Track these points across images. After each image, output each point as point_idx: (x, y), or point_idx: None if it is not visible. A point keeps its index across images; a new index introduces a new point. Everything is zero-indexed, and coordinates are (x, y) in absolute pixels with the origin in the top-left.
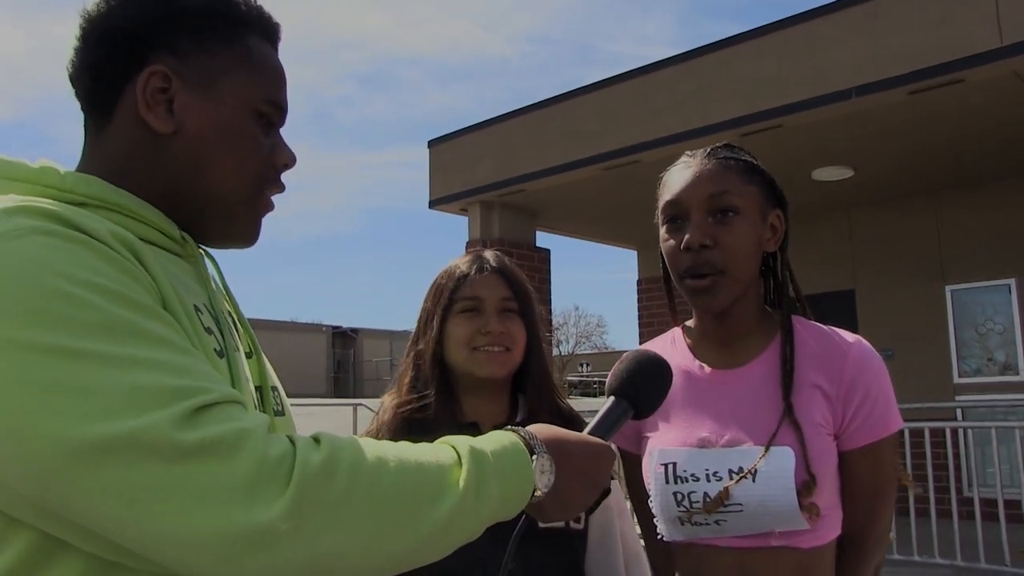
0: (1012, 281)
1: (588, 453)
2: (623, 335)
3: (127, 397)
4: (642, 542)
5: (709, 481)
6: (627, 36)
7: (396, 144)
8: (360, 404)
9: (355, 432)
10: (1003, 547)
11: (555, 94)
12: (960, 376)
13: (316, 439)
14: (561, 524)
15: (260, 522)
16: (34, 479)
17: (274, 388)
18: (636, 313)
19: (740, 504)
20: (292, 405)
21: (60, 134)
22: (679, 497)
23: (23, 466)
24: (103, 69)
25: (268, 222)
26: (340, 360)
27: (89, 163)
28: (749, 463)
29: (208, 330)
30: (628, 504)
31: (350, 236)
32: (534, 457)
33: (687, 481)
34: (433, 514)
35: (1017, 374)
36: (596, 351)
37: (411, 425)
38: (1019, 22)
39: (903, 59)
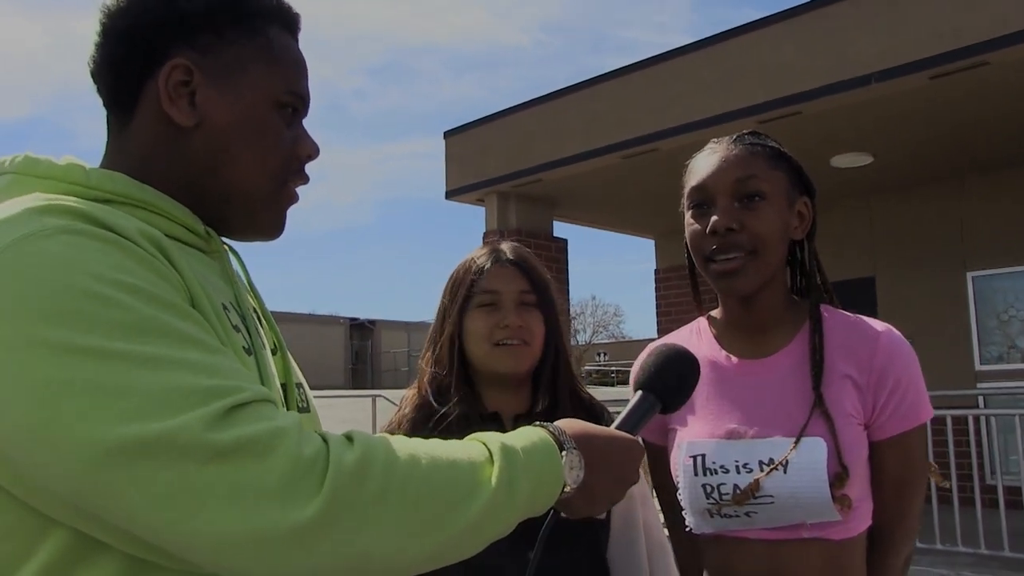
0: None
1: (617, 448)
2: (640, 325)
3: (160, 398)
4: (667, 532)
5: (739, 473)
6: (641, 24)
7: (411, 135)
8: (379, 395)
9: (374, 423)
10: None
11: (570, 83)
12: (982, 363)
13: (349, 438)
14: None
15: (295, 522)
16: (68, 480)
17: (298, 384)
18: (653, 302)
19: (771, 496)
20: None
21: (77, 129)
22: (708, 489)
23: (57, 467)
24: (124, 64)
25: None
26: (358, 352)
27: (113, 159)
28: (780, 454)
29: (236, 328)
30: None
31: (366, 228)
32: (563, 453)
33: (716, 473)
34: (466, 512)
35: None
36: (613, 340)
37: (433, 418)
38: None
39: (925, 43)
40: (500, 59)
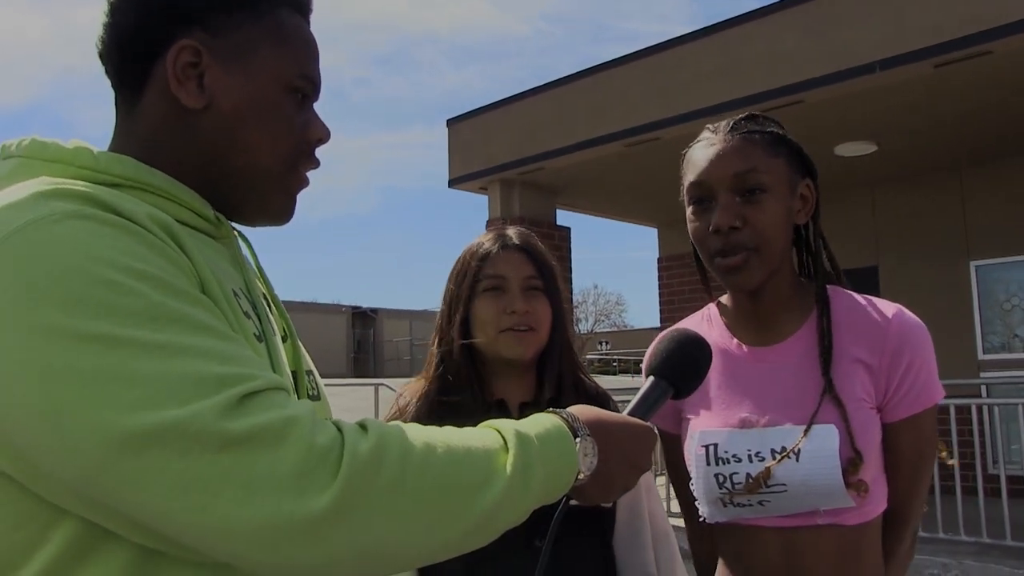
0: None
1: (630, 435)
2: (642, 313)
3: (171, 386)
4: (672, 521)
5: (751, 462)
6: (642, 14)
7: (413, 124)
8: (381, 384)
9: (376, 412)
10: None
11: (572, 72)
12: (985, 352)
13: (363, 426)
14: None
15: (310, 512)
16: (79, 469)
17: (309, 372)
18: (656, 291)
19: (784, 484)
20: None
21: (76, 119)
22: (721, 479)
23: (68, 456)
24: (132, 45)
25: None
26: (360, 340)
27: (121, 142)
28: (792, 442)
29: (246, 314)
30: (658, 481)
31: (367, 217)
32: (577, 440)
33: (728, 462)
34: (482, 500)
35: None
36: (615, 329)
37: (440, 406)
38: None
39: (929, 31)
40: (501, 49)
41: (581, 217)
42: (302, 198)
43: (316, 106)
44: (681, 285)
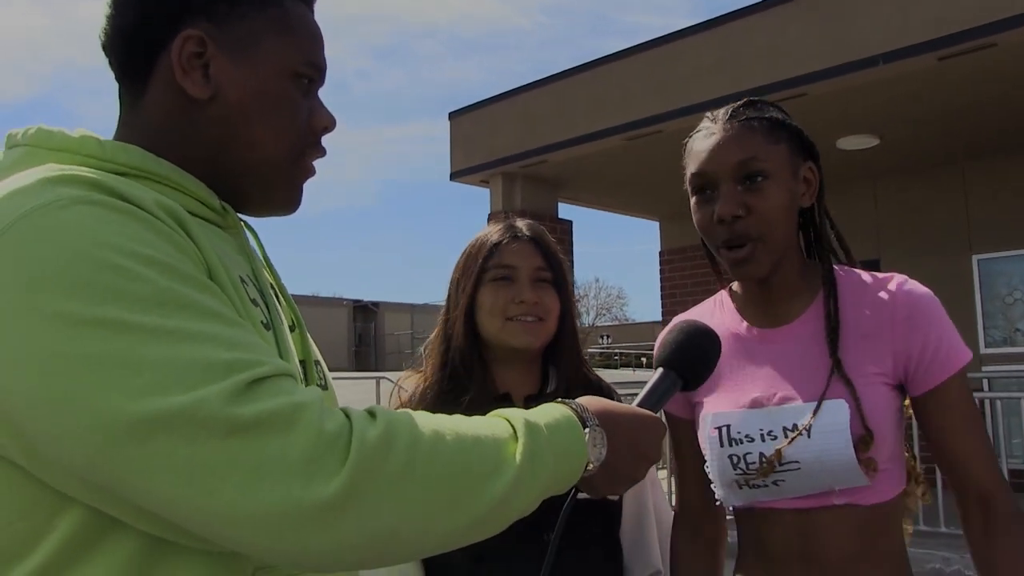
0: None
1: (638, 426)
2: (644, 307)
3: (179, 371)
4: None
5: (764, 441)
6: (643, 6)
7: (413, 117)
8: (383, 377)
9: (378, 404)
10: None
11: (573, 65)
12: (987, 346)
13: (372, 413)
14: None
15: (319, 499)
16: (86, 456)
17: (317, 362)
18: (657, 284)
19: (797, 462)
20: None
21: (77, 111)
22: (735, 460)
23: (74, 443)
24: (136, 36)
25: None
26: (361, 334)
27: (125, 133)
28: (803, 420)
29: (254, 302)
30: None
31: (368, 209)
32: (586, 430)
33: (741, 443)
34: (491, 489)
35: None
36: (616, 323)
37: (443, 397)
38: None
39: (933, 24)
40: (502, 42)
41: (583, 210)
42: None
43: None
44: (683, 279)
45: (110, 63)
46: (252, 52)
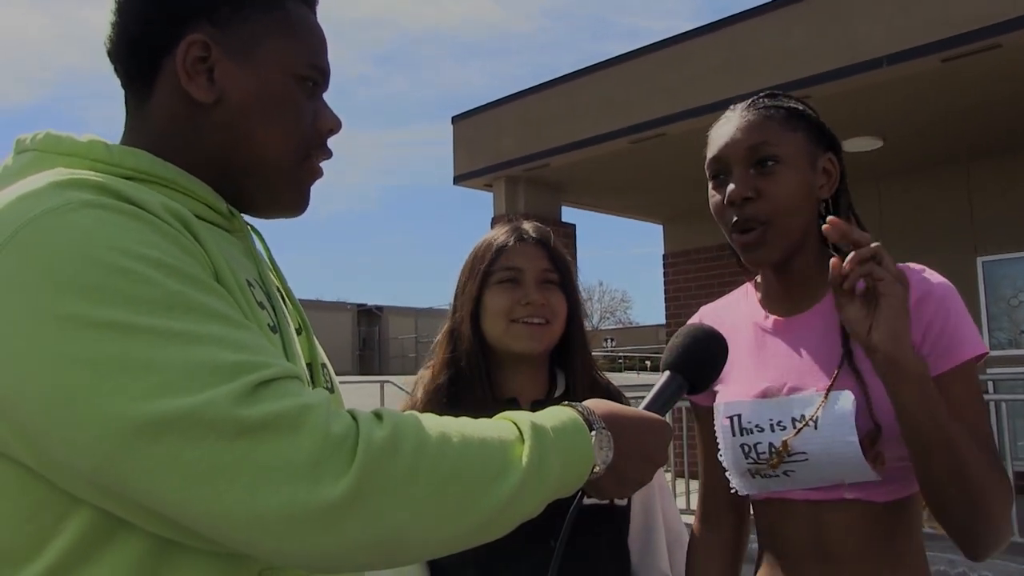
0: None
1: (645, 429)
2: (647, 310)
3: (186, 373)
4: (685, 520)
5: (773, 431)
6: (645, 9)
7: (416, 122)
8: (387, 381)
9: None
10: None
11: (575, 68)
12: (991, 349)
13: (378, 415)
14: (606, 501)
15: (325, 500)
16: (93, 458)
17: (323, 365)
18: (661, 288)
19: (804, 453)
20: None
21: (80, 117)
22: (746, 449)
23: (82, 445)
24: (141, 42)
25: None
26: (365, 338)
27: (132, 138)
28: (811, 410)
29: (260, 305)
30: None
31: (370, 214)
32: (593, 433)
33: (752, 432)
34: (497, 492)
35: None
36: (620, 326)
37: (449, 401)
38: None
39: (936, 26)
40: (503, 46)
41: (586, 214)
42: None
43: None
44: (687, 281)
45: (116, 69)
46: (256, 55)
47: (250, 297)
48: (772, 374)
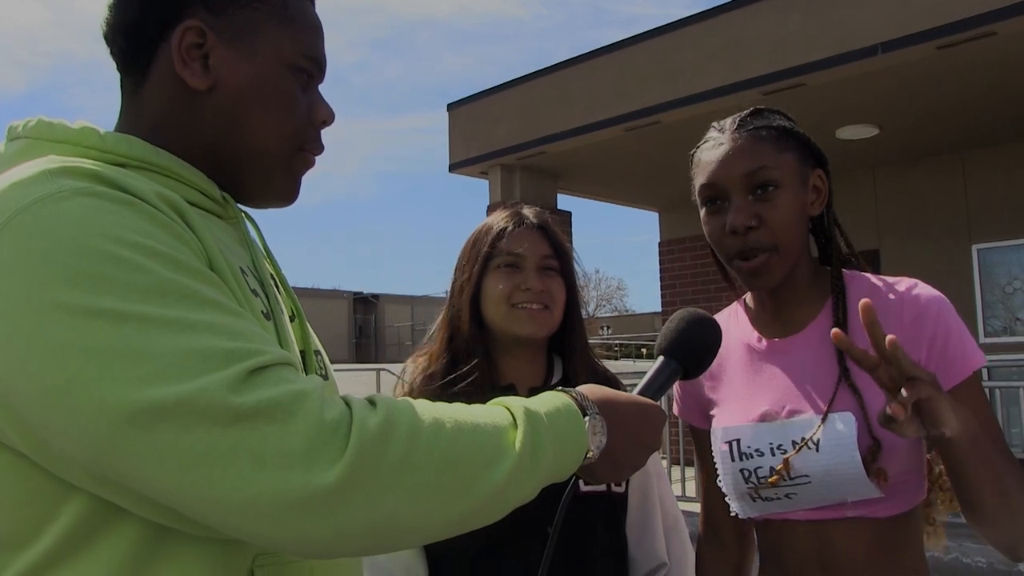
0: None
1: (639, 414)
2: (644, 298)
3: (180, 361)
4: (681, 506)
5: (774, 455)
6: None
7: (411, 109)
8: (383, 369)
9: None
10: None
11: (572, 55)
12: (986, 336)
13: (372, 401)
14: (603, 487)
15: (319, 486)
16: (88, 445)
17: (317, 352)
18: (657, 275)
19: (806, 475)
20: None
21: (75, 105)
22: (746, 474)
23: (77, 432)
24: (137, 27)
25: None
26: (362, 326)
27: (127, 124)
28: (810, 433)
29: (254, 292)
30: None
31: (366, 202)
32: (586, 418)
33: (752, 457)
34: (490, 478)
35: None
36: (616, 314)
37: (446, 386)
38: None
39: (932, 13)
40: (499, 33)
41: (582, 201)
42: (302, 183)
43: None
44: (683, 269)
45: (111, 54)
46: (251, 42)
47: (243, 284)
48: (770, 397)
